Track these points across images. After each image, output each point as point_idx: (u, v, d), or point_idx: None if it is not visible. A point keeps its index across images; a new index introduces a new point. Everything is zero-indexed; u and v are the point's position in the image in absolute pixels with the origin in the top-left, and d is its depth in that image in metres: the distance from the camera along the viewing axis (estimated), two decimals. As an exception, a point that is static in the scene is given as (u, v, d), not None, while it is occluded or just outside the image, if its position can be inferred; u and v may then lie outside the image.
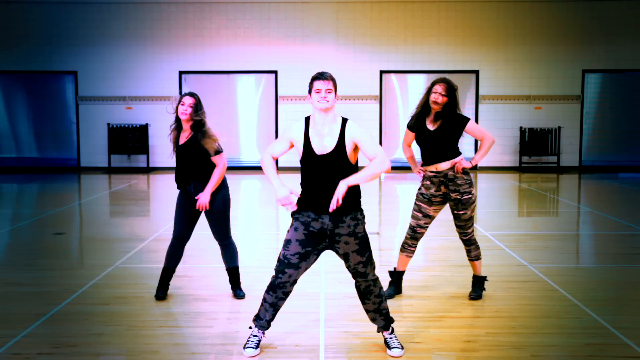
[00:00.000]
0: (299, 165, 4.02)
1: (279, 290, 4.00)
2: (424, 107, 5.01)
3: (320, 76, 3.92)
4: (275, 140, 4.08)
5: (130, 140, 15.43)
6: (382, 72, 15.72)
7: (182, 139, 5.15)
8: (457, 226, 5.09)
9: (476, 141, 15.84)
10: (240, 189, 12.90)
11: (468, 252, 5.18)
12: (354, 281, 4.07)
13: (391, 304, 4.96)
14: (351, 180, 3.74)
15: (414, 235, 5.12)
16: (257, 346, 4.05)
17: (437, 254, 6.77)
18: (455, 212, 5.00)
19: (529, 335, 4.34)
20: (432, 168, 4.97)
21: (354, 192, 3.89)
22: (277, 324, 4.54)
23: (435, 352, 4.08)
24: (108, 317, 4.73)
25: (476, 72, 15.73)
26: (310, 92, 3.93)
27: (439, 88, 4.89)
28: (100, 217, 9.76)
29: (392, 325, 4.11)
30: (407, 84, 15.91)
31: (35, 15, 15.54)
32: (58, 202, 10.86)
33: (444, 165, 4.92)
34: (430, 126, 4.97)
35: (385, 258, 6.52)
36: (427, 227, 5.12)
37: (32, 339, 4.30)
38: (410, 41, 15.64)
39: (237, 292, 5.22)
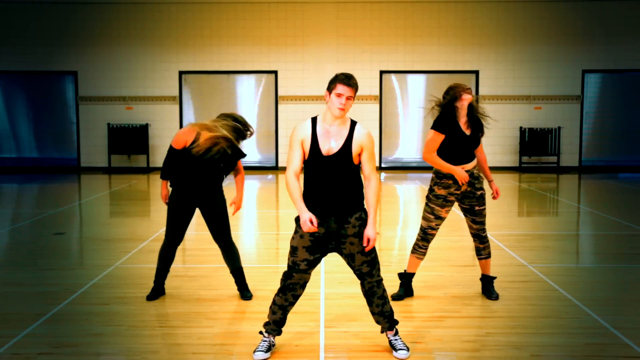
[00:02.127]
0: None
1: (288, 293, 3.97)
2: (450, 110, 5.00)
3: (346, 81, 3.79)
4: (289, 152, 3.89)
5: (130, 140, 15.43)
6: (382, 72, 15.72)
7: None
8: (478, 223, 5.11)
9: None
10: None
11: (483, 249, 5.17)
12: (359, 282, 4.05)
13: (391, 304, 4.95)
14: (372, 219, 3.82)
15: (425, 237, 5.15)
16: (268, 350, 3.99)
17: (437, 254, 6.77)
18: (477, 208, 5.05)
19: (529, 335, 4.34)
20: (465, 167, 5.03)
21: (357, 192, 3.88)
22: (277, 324, 4.54)
23: (436, 352, 4.08)
24: (108, 317, 4.73)
25: (476, 72, 15.73)
26: (330, 90, 3.82)
27: (468, 96, 4.95)
28: (100, 217, 9.76)
29: (396, 326, 4.10)
30: (407, 84, 15.91)
31: (35, 15, 15.55)
32: (58, 202, 10.86)
33: (470, 165, 5.05)
34: (466, 130, 5.03)
35: (385, 258, 6.52)
36: (438, 228, 5.15)
37: (32, 339, 4.30)
38: (410, 41, 15.64)
39: (245, 293, 5.17)
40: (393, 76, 15.83)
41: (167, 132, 15.69)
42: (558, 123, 15.63)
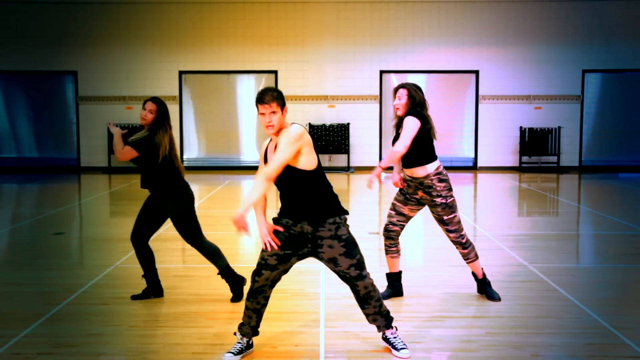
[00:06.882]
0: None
1: (258, 296, 3.90)
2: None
3: (261, 99, 3.67)
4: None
5: (130, 140, 15.41)
6: (382, 72, 15.71)
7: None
8: (452, 232, 4.92)
9: (476, 142, 15.83)
10: (240, 189, 12.90)
11: (467, 254, 5.03)
12: (350, 287, 3.91)
13: (391, 305, 4.95)
14: (245, 207, 3.63)
15: (388, 235, 5.03)
16: (239, 353, 3.93)
17: (437, 254, 6.76)
18: (445, 217, 4.86)
19: (529, 335, 4.34)
20: (409, 173, 4.88)
21: (322, 198, 3.78)
22: (277, 324, 4.54)
23: (435, 352, 4.07)
24: (108, 317, 4.73)
25: (476, 72, 15.73)
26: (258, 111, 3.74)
27: (400, 93, 4.82)
28: (100, 217, 9.76)
29: (393, 324, 4.07)
30: (407, 84, 15.88)
31: (35, 15, 15.54)
32: (58, 202, 10.86)
33: (419, 172, 4.81)
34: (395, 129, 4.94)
35: (375, 259, 6.51)
36: (401, 225, 5.00)
37: (32, 339, 4.30)
38: (410, 41, 15.64)
39: (233, 297, 5.10)
40: (393, 76, 15.83)
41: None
42: (558, 123, 15.63)
